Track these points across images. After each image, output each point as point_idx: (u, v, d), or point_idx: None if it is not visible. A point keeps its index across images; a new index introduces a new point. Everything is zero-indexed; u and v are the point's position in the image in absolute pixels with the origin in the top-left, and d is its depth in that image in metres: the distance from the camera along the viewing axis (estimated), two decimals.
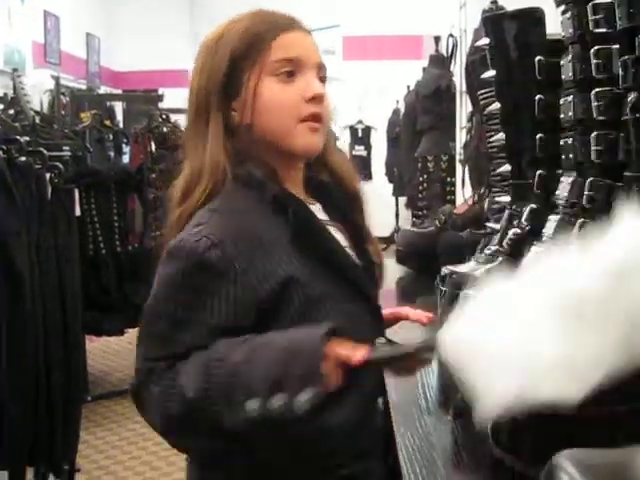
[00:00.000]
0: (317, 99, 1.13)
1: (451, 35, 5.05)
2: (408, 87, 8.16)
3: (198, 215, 1.09)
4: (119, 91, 11.53)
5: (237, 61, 1.13)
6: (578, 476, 0.52)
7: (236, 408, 0.95)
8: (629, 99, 0.84)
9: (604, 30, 1.02)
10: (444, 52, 5.60)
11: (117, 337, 4.75)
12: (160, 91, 8.44)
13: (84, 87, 9.41)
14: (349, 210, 1.23)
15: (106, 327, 4.15)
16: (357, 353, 0.94)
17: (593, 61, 1.04)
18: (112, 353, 5.30)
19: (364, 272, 1.19)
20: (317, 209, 1.19)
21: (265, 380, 0.94)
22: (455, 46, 4.97)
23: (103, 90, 10.53)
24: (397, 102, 9.66)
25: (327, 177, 1.24)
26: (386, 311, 1.26)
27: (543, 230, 1.15)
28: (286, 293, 1.05)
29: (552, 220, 1.13)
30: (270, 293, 1.04)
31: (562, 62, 1.13)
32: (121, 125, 6.17)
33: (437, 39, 6.02)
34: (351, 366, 0.94)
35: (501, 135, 1.45)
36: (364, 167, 10.59)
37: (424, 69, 6.24)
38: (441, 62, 5.66)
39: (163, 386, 1.00)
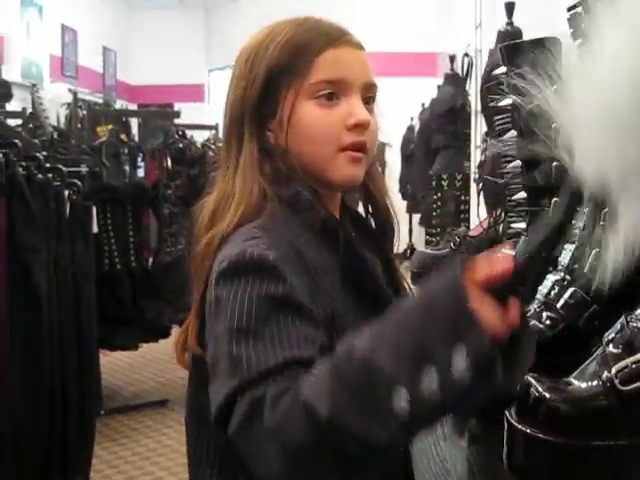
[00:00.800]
0: (361, 127, 1.02)
1: (466, 54, 5.08)
2: (423, 104, 8.20)
3: (245, 229, 0.97)
4: (134, 104, 11.62)
5: (275, 76, 1.02)
6: None
7: (381, 414, 0.74)
8: None
9: None
10: (459, 71, 5.63)
11: (131, 352, 4.78)
12: (176, 107, 8.50)
13: (100, 100, 9.49)
14: (381, 242, 1.15)
15: (120, 341, 4.17)
16: (499, 264, 0.75)
17: None
18: (126, 367, 5.32)
19: None
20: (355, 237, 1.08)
21: (405, 358, 0.74)
22: (470, 65, 4.99)
23: (119, 103, 10.60)
24: (412, 119, 9.70)
25: (363, 203, 1.16)
26: None
27: (559, 258, 1.16)
28: (328, 328, 0.91)
29: (567, 249, 1.14)
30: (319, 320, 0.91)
31: None
32: (136, 139, 6.22)
33: (452, 58, 6.05)
34: (502, 285, 0.74)
35: (517, 162, 1.46)
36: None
37: (439, 87, 6.27)
38: (456, 81, 5.69)
39: (280, 412, 0.79)
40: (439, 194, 5.39)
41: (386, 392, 0.73)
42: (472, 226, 4.25)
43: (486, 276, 0.75)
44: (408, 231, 9.89)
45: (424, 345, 0.73)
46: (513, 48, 1.41)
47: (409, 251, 9.48)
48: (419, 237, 9.09)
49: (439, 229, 5.14)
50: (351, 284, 0.98)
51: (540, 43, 1.40)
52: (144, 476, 3.57)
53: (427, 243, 6.11)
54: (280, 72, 1.02)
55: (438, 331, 0.73)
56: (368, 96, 1.05)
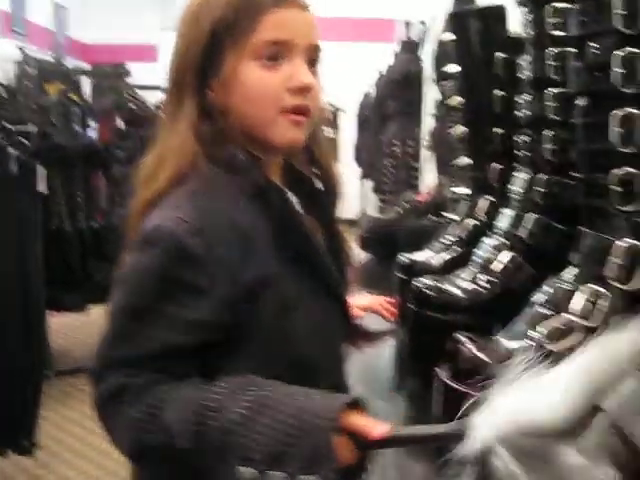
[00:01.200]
0: (303, 90, 1.00)
1: (422, 22, 5.08)
2: (379, 71, 8.19)
3: (172, 197, 0.97)
4: (86, 64, 11.39)
5: (219, 35, 0.99)
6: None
7: (229, 468, 0.85)
8: (579, 104, 0.89)
9: (561, 33, 1.05)
10: (415, 38, 5.64)
11: (78, 313, 4.74)
12: (128, 66, 8.36)
13: (50, 59, 9.29)
14: (325, 205, 1.14)
15: (68, 303, 4.14)
16: (377, 429, 0.84)
17: (549, 63, 1.07)
18: (73, 329, 5.28)
19: (336, 271, 1.09)
20: (294, 200, 1.08)
21: (265, 452, 0.84)
22: (425, 32, 5.00)
23: (70, 63, 10.39)
24: (368, 85, 9.69)
25: (307, 167, 1.13)
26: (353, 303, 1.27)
27: (496, 223, 1.19)
28: (262, 292, 0.94)
29: (505, 214, 1.17)
30: (248, 290, 0.93)
31: (520, 62, 1.16)
32: (88, 99, 6.11)
33: (408, 24, 6.05)
34: (368, 443, 0.84)
35: (461, 128, 1.48)
36: (332, 149, 10.61)
37: (395, 54, 6.27)
38: (412, 48, 5.70)
39: (141, 412, 0.89)
40: (392, 160, 5.41)
41: (239, 460, 0.84)
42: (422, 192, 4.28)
43: (358, 430, 0.84)
44: (361, 197, 9.93)
45: (286, 455, 0.83)
46: (460, 16, 1.42)
47: (362, 217, 9.52)
48: (372, 203, 9.15)
49: (391, 195, 5.18)
50: (286, 249, 0.98)
51: (486, 11, 1.41)
52: (92, 437, 3.56)
53: (380, 209, 6.15)
54: (224, 31, 0.99)
55: (301, 452, 0.83)
56: (312, 59, 1.03)
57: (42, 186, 3.03)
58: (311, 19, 1.04)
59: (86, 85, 7.24)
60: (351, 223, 9.96)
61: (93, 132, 4.78)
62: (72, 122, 4.53)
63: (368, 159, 8.82)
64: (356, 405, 0.87)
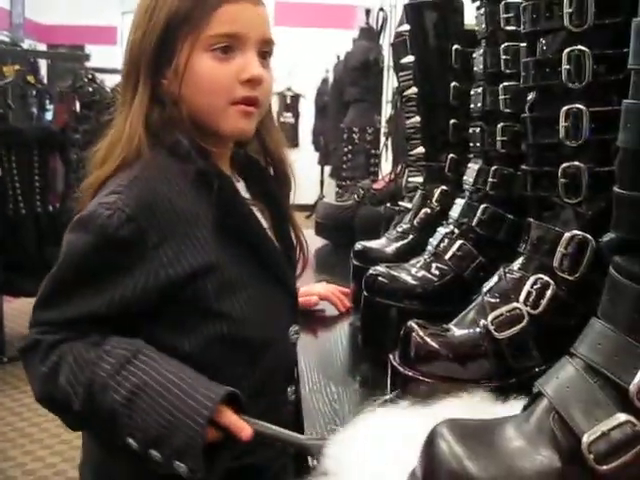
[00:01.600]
0: (253, 82, 1.05)
1: (382, 9, 5.09)
2: (338, 57, 8.20)
3: (114, 182, 1.02)
4: (43, 45, 11.20)
5: (173, 26, 1.03)
6: (453, 441, 0.59)
7: (115, 435, 0.96)
8: (528, 98, 0.91)
9: (514, 28, 1.08)
10: (374, 25, 5.65)
11: (34, 298, 4.70)
12: (87, 49, 8.24)
13: (7, 39, 9.12)
14: (275, 191, 1.19)
15: (24, 288, 4.10)
16: (244, 430, 0.93)
17: (502, 57, 1.10)
18: (30, 314, 5.24)
19: (283, 256, 1.15)
20: (241, 187, 1.15)
21: (145, 433, 0.93)
22: (385, 20, 5.01)
23: (27, 43, 10.21)
24: (327, 71, 9.69)
25: (257, 153, 1.19)
26: (304, 292, 1.29)
27: (449, 212, 1.21)
28: (202, 275, 1.00)
29: (458, 203, 1.20)
30: (186, 273, 0.99)
31: (475, 55, 1.19)
32: (45, 82, 6.03)
33: (368, 11, 6.06)
34: (236, 440, 0.93)
35: (417, 118, 1.51)
36: (291, 134, 10.60)
37: (354, 40, 6.27)
38: (371, 35, 5.71)
39: (47, 368, 0.99)
40: (350, 147, 5.44)
41: (125, 431, 0.94)
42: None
43: (229, 428, 0.93)
44: (320, 183, 9.94)
45: (160, 441, 0.93)
46: (416, 6, 1.44)
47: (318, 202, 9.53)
48: (330, 189, 9.17)
49: (349, 181, 5.21)
50: (228, 234, 1.03)
51: (443, 3, 1.43)
52: (47, 423, 3.55)
53: (337, 195, 6.17)
54: (178, 22, 1.03)
55: (173, 441, 0.92)
56: (264, 51, 1.09)
57: None
58: (263, 13, 1.09)
59: (43, 67, 7.13)
60: (309, 208, 9.96)
61: (49, 115, 4.72)
62: (29, 104, 4.47)
63: (326, 145, 8.84)
64: (233, 400, 0.95)
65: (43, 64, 7.30)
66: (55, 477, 3.02)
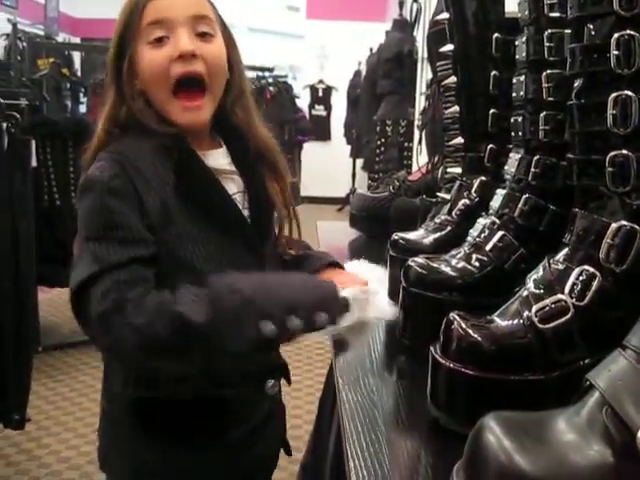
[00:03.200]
0: (185, 56, 1.17)
1: (415, 0, 5.05)
2: (371, 49, 8.16)
3: (98, 157, 1.20)
4: (77, 38, 11.30)
5: (124, 31, 1.22)
6: (501, 434, 0.57)
7: (247, 330, 1.05)
8: (575, 85, 0.89)
9: (558, 15, 1.05)
10: (408, 17, 5.61)
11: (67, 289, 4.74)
12: None
13: (41, 32, 9.20)
14: (251, 161, 1.32)
15: (59, 279, 4.14)
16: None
17: (546, 44, 1.07)
18: (64, 305, 5.29)
19: (252, 223, 1.28)
20: (220, 153, 1.30)
21: (282, 304, 1.08)
22: (419, 11, 4.97)
23: (61, 37, 10.30)
24: (359, 64, 9.66)
25: (241, 120, 1.32)
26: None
27: (490, 203, 1.19)
28: (163, 225, 1.16)
29: (499, 194, 1.17)
30: (151, 221, 1.16)
31: (517, 42, 1.16)
32: (79, 74, 6.07)
33: (401, 3, 6.02)
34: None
35: (456, 108, 1.48)
36: (323, 127, 10.60)
37: (387, 32, 6.24)
38: (404, 26, 5.67)
39: (147, 314, 1.05)
40: (383, 139, 5.41)
41: (256, 321, 1.05)
42: (413, 172, 4.28)
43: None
44: (351, 176, 9.92)
45: (299, 303, 1.09)
46: None
47: (351, 195, 9.52)
48: (362, 182, 9.14)
49: (382, 174, 5.18)
50: (187, 196, 1.19)
51: None
52: (81, 412, 3.59)
53: (369, 188, 6.14)
54: (125, 29, 1.22)
55: (310, 298, 1.11)
56: (203, 31, 1.20)
57: (33, 160, 3.02)
58: None
59: (77, 60, 7.18)
60: (341, 201, 9.97)
61: (83, 107, 4.76)
62: (63, 97, 4.50)
63: (358, 138, 8.81)
64: None
65: (77, 57, 7.36)
66: (88, 465, 3.05)
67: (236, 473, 1.34)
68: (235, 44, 1.31)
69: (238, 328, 1.05)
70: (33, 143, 3.05)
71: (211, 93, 1.23)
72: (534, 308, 0.87)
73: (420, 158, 2.54)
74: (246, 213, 1.29)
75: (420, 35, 4.93)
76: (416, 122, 4.50)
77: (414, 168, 4.53)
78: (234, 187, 1.29)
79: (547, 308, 0.87)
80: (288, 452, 1.50)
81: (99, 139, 1.25)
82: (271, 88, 8.01)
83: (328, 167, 10.03)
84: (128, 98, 1.22)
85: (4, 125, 2.73)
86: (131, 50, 1.21)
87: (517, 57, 1.17)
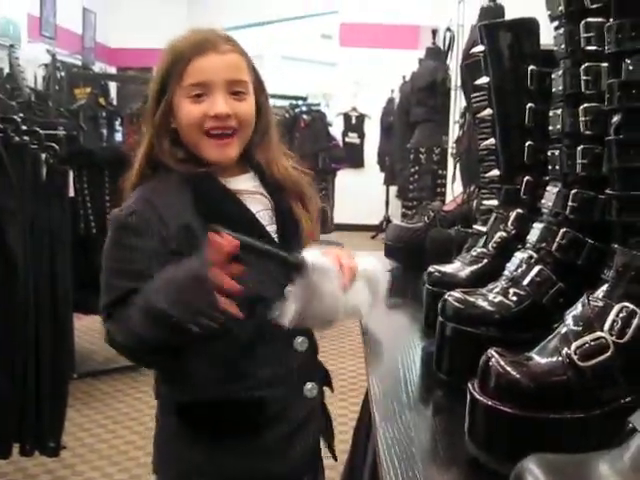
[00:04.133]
0: (219, 117, 1.35)
1: (449, 29, 5.08)
2: (404, 77, 8.19)
3: (132, 194, 1.38)
4: (113, 67, 11.48)
5: (166, 77, 1.38)
6: (542, 477, 0.56)
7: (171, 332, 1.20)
8: (613, 121, 0.88)
9: (595, 48, 1.05)
10: (441, 45, 5.63)
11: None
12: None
13: (78, 62, 9.37)
14: (273, 185, 1.46)
15: (94, 306, 4.16)
16: (230, 243, 1.14)
17: (583, 77, 1.07)
18: (99, 332, 5.30)
19: (279, 238, 1.40)
20: (245, 176, 1.45)
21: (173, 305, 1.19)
22: (452, 40, 4.99)
23: (97, 66, 10.48)
24: (392, 91, 9.70)
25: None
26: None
27: (527, 237, 1.19)
28: (187, 243, 1.28)
29: (536, 227, 1.17)
30: (174, 242, 1.31)
31: (553, 75, 1.16)
32: (114, 102, 6.16)
33: (435, 32, 6.05)
34: (230, 254, 1.15)
35: (491, 140, 1.48)
36: (356, 155, 10.63)
37: (420, 60, 6.26)
38: (437, 55, 5.70)
39: (123, 323, 1.26)
40: (416, 167, 5.42)
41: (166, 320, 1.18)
42: (447, 200, 4.27)
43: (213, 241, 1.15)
44: (385, 203, 9.92)
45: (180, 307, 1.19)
46: (491, 27, 1.42)
47: (385, 223, 9.52)
48: (396, 210, 9.13)
49: (415, 202, 5.18)
50: (205, 215, 1.31)
51: (518, 24, 1.41)
52: (116, 439, 3.60)
53: (403, 216, 6.14)
54: (168, 75, 1.38)
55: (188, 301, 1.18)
56: (237, 90, 1.38)
57: (70, 190, 3.06)
58: (228, 60, 1.38)
59: (112, 89, 7.28)
60: (374, 228, 9.94)
61: (119, 135, 4.82)
62: (99, 126, 4.57)
63: (392, 165, 8.83)
64: None
65: (112, 86, 7.48)
66: None
67: (276, 474, 1.41)
68: (264, 89, 1.47)
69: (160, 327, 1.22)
70: (71, 173, 3.09)
71: (239, 137, 1.40)
72: (573, 345, 0.86)
73: (454, 187, 2.54)
74: (273, 228, 1.41)
75: (453, 63, 4.94)
76: (450, 150, 4.50)
77: (448, 196, 4.52)
78: (259, 205, 1.42)
79: (587, 345, 0.86)
80: (334, 457, 1.65)
81: (135, 176, 1.41)
82: (305, 116, 8.06)
83: (361, 194, 10.04)
84: (160, 138, 1.40)
85: (43, 156, 2.77)
86: (170, 95, 1.37)
87: (553, 90, 1.16)
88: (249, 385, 1.36)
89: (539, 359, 0.88)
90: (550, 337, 0.91)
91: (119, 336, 1.28)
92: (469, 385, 0.90)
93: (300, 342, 1.41)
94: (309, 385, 1.44)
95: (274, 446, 1.39)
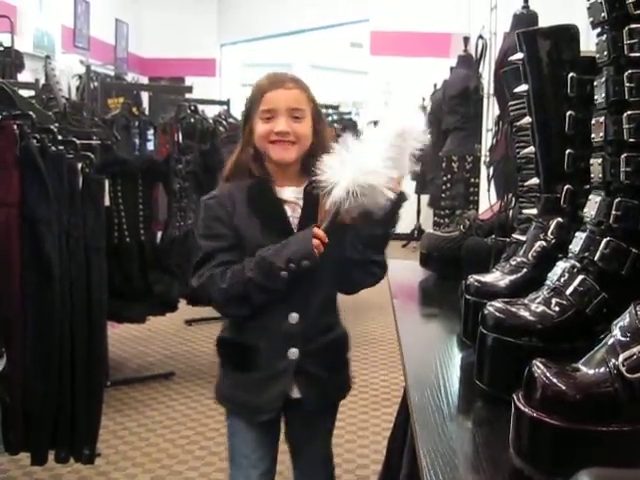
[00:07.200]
0: (280, 134, 1.88)
1: (481, 37, 5.05)
2: (435, 85, 8.17)
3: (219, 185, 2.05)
4: (145, 78, 11.59)
5: (250, 107, 1.96)
6: None
7: (273, 278, 1.83)
8: None
9: (638, 55, 1.04)
10: (473, 53, 5.60)
11: (138, 324, 4.80)
12: (187, 81, 8.43)
13: (111, 72, 9.47)
14: (309, 196, 1.89)
15: (128, 314, 4.20)
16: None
17: (626, 84, 1.05)
18: (133, 340, 5.36)
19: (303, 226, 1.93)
20: (292, 189, 1.96)
21: (283, 259, 1.81)
22: (484, 48, 4.97)
23: (130, 76, 10.59)
24: (423, 99, 9.67)
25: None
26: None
27: (569, 246, 1.17)
28: (241, 229, 1.92)
29: (578, 237, 1.15)
30: (235, 228, 1.92)
31: (595, 83, 1.15)
32: (146, 112, 6.20)
33: (466, 39, 6.03)
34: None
35: (530, 148, 1.47)
36: None
37: (452, 68, 6.24)
38: (469, 63, 5.67)
39: (226, 282, 1.86)
40: (449, 176, 5.39)
41: (277, 270, 1.82)
42: (480, 209, 4.24)
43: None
44: (416, 212, 9.89)
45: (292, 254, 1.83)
46: (530, 34, 1.41)
47: (416, 231, 9.49)
48: (427, 218, 9.09)
49: (447, 211, 5.16)
50: (254, 212, 1.92)
51: (558, 31, 1.40)
52: (149, 447, 3.61)
53: (435, 224, 6.11)
54: (252, 103, 1.95)
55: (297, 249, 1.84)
56: (295, 115, 1.91)
57: (106, 199, 3.08)
58: (291, 94, 1.92)
59: (145, 99, 7.34)
60: (406, 237, 9.89)
61: (151, 145, 4.85)
62: (132, 135, 4.60)
63: (423, 174, 8.79)
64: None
65: (145, 96, 7.54)
66: None
67: (256, 405, 1.99)
68: (321, 115, 2.02)
69: (267, 276, 1.83)
70: (106, 182, 3.11)
71: (297, 147, 1.91)
72: (621, 357, 0.85)
73: (487, 195, 2.52)
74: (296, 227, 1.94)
75: (486, 71, 4.91)
76: (483, 158, 4.47)
77: (481, 205, 4.49)
78: (295, 212, 1.95)
79: (635, 357, 0.84)
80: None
81: (226, 173, 2.01)
82: (336, 125, 8.07)
83: None
84: (246, 148, 1.98)
85: (79, 165, 2.80)
86: (251, 120, 1.94)
87: (596, 98, 1.15)
88: (254, 335, 1.95)
89: (585, 370, 0.87)
90: (597, 348, 0.89)
91: (207, 288, 1.88)
92: (513, 396, 0.89)
93: (293, 317, 1.94)
94: (293, 350, 1.95)
95: (257, 384, 1.97)
